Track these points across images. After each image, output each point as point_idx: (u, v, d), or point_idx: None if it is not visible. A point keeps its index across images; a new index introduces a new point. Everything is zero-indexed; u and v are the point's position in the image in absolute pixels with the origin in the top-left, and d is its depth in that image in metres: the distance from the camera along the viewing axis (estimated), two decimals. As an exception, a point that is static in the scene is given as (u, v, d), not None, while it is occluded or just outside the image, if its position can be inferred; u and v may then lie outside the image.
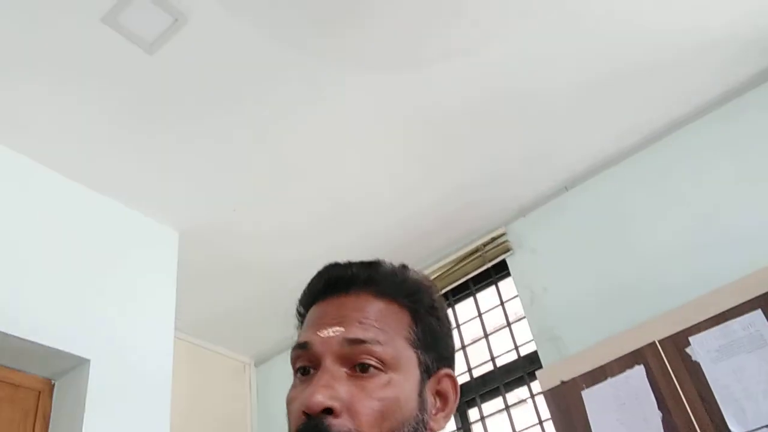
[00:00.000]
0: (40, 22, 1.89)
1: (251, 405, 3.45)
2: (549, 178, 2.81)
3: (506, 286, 2.94)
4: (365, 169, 2.61)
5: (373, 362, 0.66)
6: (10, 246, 2.09)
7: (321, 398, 0.62)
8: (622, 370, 2.19)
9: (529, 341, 2.73)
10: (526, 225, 2.92)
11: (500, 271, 2.95)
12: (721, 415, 1.95)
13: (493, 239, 2.95)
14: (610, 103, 2.49)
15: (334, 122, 2.38)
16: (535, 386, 2.58)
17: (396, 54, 2.17)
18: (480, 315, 2.97)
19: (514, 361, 2.78)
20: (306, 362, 0.68)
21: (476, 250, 2.99)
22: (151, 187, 2.50)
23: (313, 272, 0.76)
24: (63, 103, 2.13)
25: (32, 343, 2.01)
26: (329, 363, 0.66)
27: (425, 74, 2.25)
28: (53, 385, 2.16)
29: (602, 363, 2.24)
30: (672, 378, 2.08)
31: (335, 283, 0.72)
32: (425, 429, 0.68)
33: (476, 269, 2.97)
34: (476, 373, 2.87)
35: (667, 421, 2.04)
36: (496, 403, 2.77)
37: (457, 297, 3.07)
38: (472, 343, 2.97)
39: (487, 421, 2.74)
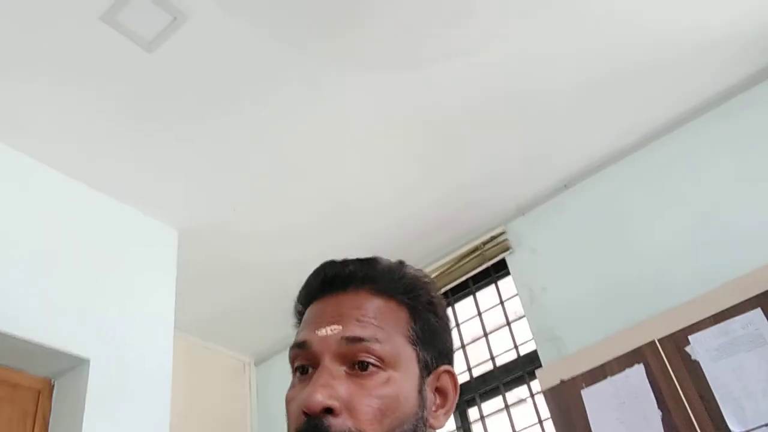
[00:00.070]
0: (39, 21, 1.89)
1: (251, 404, 3.45)
2: (548, 177, 2.81)
3: (506, 285, 2.94)
4: (365, 168, 2.61)
5: (372, 360, 0.65)
6: (9, 244, 2.09)
7: (320, 398, 0.62)
8: (621, 369, 2.19)
9: (529, 340, 2.73)
10: (525, 224, 2.92)
11: (500, 270, 2.95)
12: (721, 413, 1.95)
13: (493, 238, 2.95)
14: (609, 103, 2.49)
15: (334, 122, 2.38)
16: (535, 385, 2.58)
17: (396, 54, 2.17)
18: (479, 314, 2.97)
19: (514, 361, 2.78)
20: (304, 361, 0.68)
21: (476, 249, 2.99)
22: (151, 185, 2.50)
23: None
24: (62, 101, 2.13)
25: (31, 342, 2.00)
26: (328, 362, 0.65)
27: (425, 74, 2.25)
28: (53, 385, 2.16)
29: (602, 362, 2.24)
30: (672, 377, 2.08)
31: (332, 281, 0.72)
32: (425, 426, 0.68)
33: (476, 268, 2.97)
34: (476, 373, 2.87)
35: (666, 420, 2.04)
36: (496, 402, 2.77)
37: (457, 296, 3.07)
38: (471, 343, 2.97)
39: (487, 420, 2.74)
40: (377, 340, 0.66)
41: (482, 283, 3.02)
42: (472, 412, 2.81)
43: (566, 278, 2.68)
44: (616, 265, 2.56)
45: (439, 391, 0.72)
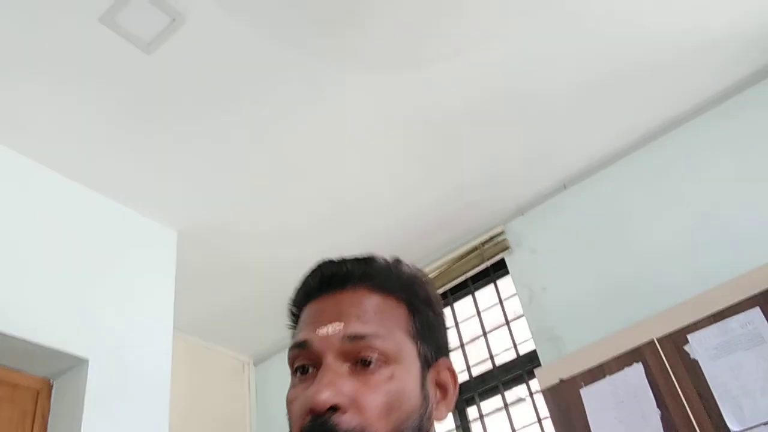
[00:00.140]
0: (37, 23, 1.89)
1: (250, 404, 3.45)
2: (548, 177, 2.82)
3: (505, 284, 2.94)
4: (364, 169, 2.61)
5: (375, 357, 0.65)
6: (8, 245, 2.09)
7: (327, 396, 0.61)
8: (620, 368, 2.20)
9: (528, 340, 2.74)
10: (524, 224, 2.92)
11: (499, 269, 2.96)
12: (719, 412, 1.96)
13: (492, 238, 2.95)
14: (608, 103, 2.50)
15: (333, 122, 2.38)
16: (534, 384, 2.58)
17: (395, 54, 2.17)
18: (479, 313, 2.97)
19: (513, 360, 2.78)
20: (305, 361, 0.67)
21: (475, 249, 2.99)
22: (150, 186, 2.50)
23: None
24: (61, 102, 2.12)
25: (31, 342, 2.00)
26: (331, 360, 0.65)
27: (425, 74, 2.25)
28: (52, 385, 2.16)
29: (601, 361, 2.25)
30: (670, 376, 2.09)
31: (331, 280, 0.71)
32: (429, 420, 0.68)
33: (475, 268, 2.97)
34: (475, 372, 2.87)
35: (665, 419, 2.04)
36: (495, 401, 2.77)
37: (456, 295, 3.07)
38: (470, 342, 2.97)
39: (486, 419, 2.74)
40: (379, 336, 0.67)
41: (481, 282, 3.02)
42: (471, 411, 2.81)
43: (565, 278, 2.69)
44: (615, 265, 2.56)
45: (440, 385, 0.73)
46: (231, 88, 2.19)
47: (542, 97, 2.42)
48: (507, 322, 2.86)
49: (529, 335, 2.72)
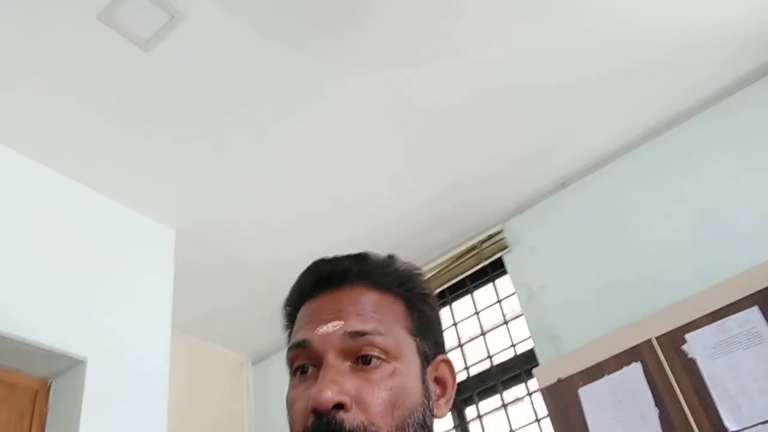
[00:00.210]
0: (35, 21, 1.88)
1: (248, 403, 3.45)
2: (546, 175, 2.82)
3: (503, 283, 2.94)
4: (363, 168, 2.61)
5: (376, 353, 0.66)
6: (6, 245, 2.08)
7: (330, 394, 0.61)
8: (619, 368, 2.20)
9: (526, 339, 2.74)
10: (523, 222, 2.92)
11: (497, 268, 2.96)
12: (717, 411, 1.96)
13: (491, 237, 2.95)
14: (607, 101, 2.50)
15: (333, 122, 2.38)
16: (532, 384, 2.58)
17: (394, 53, 2.16)
18: (477, 313, 2.97)
19: (511, 359, 2.78)
20: (305, 361, 0.67)
21: (473, 248, 2.99)
22: (148, 185, 2.49)
23: (307, 271, 0.76)
24: (59, 101, 2.12)
25: (28, 343, 2.00)
26: (332, 358, 0.65)
27: (424, 73, 2.25)
28: (49, 385, 2.15)
29: (599, 360, 2.25)
30: (668, 375, 2.09)
31: (328, 279, 0.71)
32: (431, 415, 0.68)
33: (473, 267, 2.97)
34: (473, 371, 2.87)
35: (663, 418, 2.04)
36: (494, 401, 2.77)
37: (454, 295, 3.07)
38: (469, 341, 2.97)
39: (485, 419, 2.74)
40: (379, 333, 0.67)
41: (479, 281, 3.02)
42: (470, 411, 2.81)
43: (564, 277, 2.69)
44: (614, 264, 2.57)
45: (439, 380, 0.73)
46: (230, 87, 2.18)
47: (541, 96, 2.42)
48: (505, 322, 2.86)
49: (528, 334, 2.72)
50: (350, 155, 2.53)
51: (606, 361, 2.23)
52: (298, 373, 0.68)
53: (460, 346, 2.95)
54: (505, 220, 2.96)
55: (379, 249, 0.76)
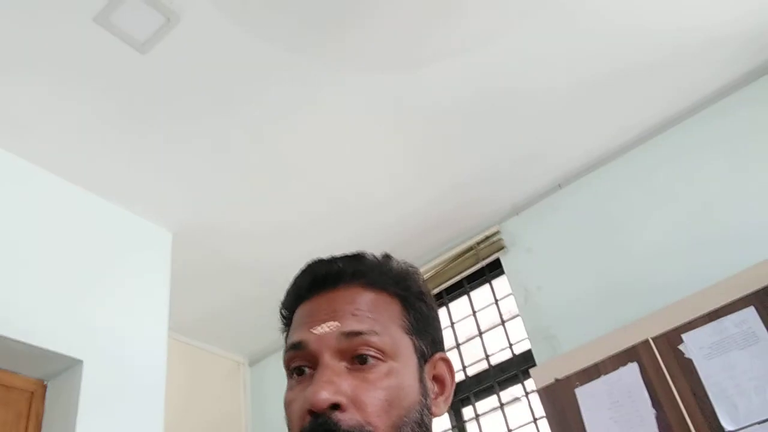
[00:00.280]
0: (31, 24, 1.88)
1: (245, 405, 3.45)
2: (542, 176, 2.82)
3: (500, 284, 2.94)
4: (359, 168, 2.61)
5: (372, 353, 0.65)
6: (2, 247, 2.07)
7: (326, 394, 0.61)
8: (615, 368, 2.20)
9: (523, 339, 2.74)
10: (519, 223, 2.92)
11: (494, 269, 2.96)
12: (714, 411, 1.96)
13: (487, 237, 2.96)
14: (603, 102, 2.50)
15: (330, 122, 2.38)
16: (529, 384, 2.58)
17: (392, 54, 2.16)
18: (474, 313, 2.98)
19: (509, 360, 2.78)
20: (302, 362, 0.67)
21: (470, 249, 2.99)
22: (145, 187, 2.49)
23: (302, 272, 0.75)
24: (55, 103, 2.11)
25: (24, 344, 1.99)
26: (328, 359, 0.65)
27: (421, 74, 2.25)
28: (46, 387, 2.15)
29: (596, 360, 2.25)
30: (665, 375, 2.09)
31: (323, 280, 0.71)
32: (429, 414, 0.68)
33: (470, 268, 2.97)
34: (470, 372, 2.87)
35: (660, 419, 2.05)
36: (491, 401, 2.77)
37: (451, 295, 3.07)
38: (466, 342, 2.98)
39: (482, 419, 2.74)
40: (375, 333, 0.66)
41: (476, 282, 3.02)
42: (467, 411, 2.82)
43: (561, 277, 2.69)
44: (610, 264, 2.57)
45: (437, 378, 0.73)
46: (226, 89, 2.18)
47: (537, 97, 2.42)
48: (502, 322, 2.87)
49: (525, 335, 2.72)
50: (345, 155, 2.53)
51: (603, 361, 2.24)
52: (295, 374, 0.68)
53: (458, 346, 2.96)
54: (501, 221, 2.97)
55: (375, 250, 0.76)
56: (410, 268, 0.76)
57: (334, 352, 0.65)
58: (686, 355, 2.08)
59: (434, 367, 0.72)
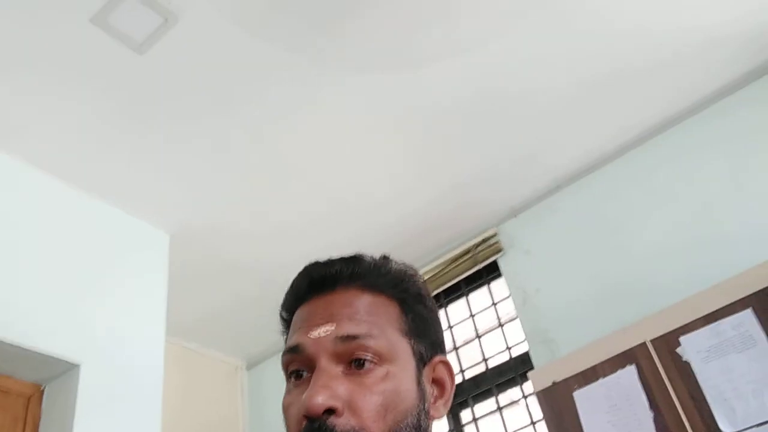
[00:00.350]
0: (29, 24, 1.87)
1: (243, 408, 3.44)
2: (540, 178, 2.82)
3: (498, 287, 2.94)
4: (358, 169, 2.60)
5: (368, 357, 0.65)
6: (-1, 249, 2.07)
7: (321, 399, 0.61)
8: (613, 371, 2.20)
9: (521, 342, 2.74)
10: (517, 225, 2.92)
11: (492, 272, 2.96)
12: (712, 414, 1.96)
13: (485, 240, 2.95)
14: (603, 102, 2.50)
15: (328, 122, 2.38)
16: (528, 387, 2.58)
17: (392, 54, 2.16)
18: (472, 316, 2.97)
19: (506, 362, 2.78)
20: (299, 365, 0.67)
21: (468, 251, 2.99)
22: (142, 189, 2.48)
23: (301, 274, 0.75)
24: (52, 104, 2.11)
25: (21, 347, 1.98)
26: (324, 363, 0.65)
27: (420, 74, 2.25)
28: (43, 390, 2.14)
29: (594, 363, 2.25)
30: (663, 378, 2.09)
31: (321, 282, 0.71)
32: (427, 418, 0.68)
33: (468, 270, 2.97)
34: (468, 375, 2.87)
35: (658, 421, 2.05)
36: (489, 404, 2.77)
37: (449, 298, 3.07)
38: (464, 345, 2.97)
39: (480, 422, 2.74)
40: (371, 336, 0.66)
41: (474, 285, 3.02)
42: (465, 414, 2.81)
43: (559, 280, 2.69)
44: (609, 267, 2.57)
45: (436, 381, 0.72)
46: (225, 89, 2.18)
47: (536, 97, 2.42)
48: (500, 325, 2.86)
49: (523, 337, 2.72)
50: (344, 156, 2.53)
51: (601, 364, 2.23)
52: (293, 377, 0.68)
53: (455, 349, 2.95)
54: (499, 223, 2.97)
55: (373, 252, 0.76)
56: (409, 270, 0.75)
57: (330, 355, 0.65)
58: (684, 358, 2.08)
59: (434, 370, 0.72)
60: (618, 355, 2.21)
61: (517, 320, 2.77)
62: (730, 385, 1.97)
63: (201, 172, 2.46)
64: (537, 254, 2.81)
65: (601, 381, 2.21)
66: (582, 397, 2.22)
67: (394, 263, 0.75)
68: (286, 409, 0.67)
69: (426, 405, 0.68)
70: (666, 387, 2.08)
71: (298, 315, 0.72)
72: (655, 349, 2.14)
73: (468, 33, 2.14)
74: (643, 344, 2.17)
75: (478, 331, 2.93)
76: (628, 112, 2.58)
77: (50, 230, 2.26)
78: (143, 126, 2.24)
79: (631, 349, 2.19)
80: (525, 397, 2.65)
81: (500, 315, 2.88)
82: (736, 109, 2.49)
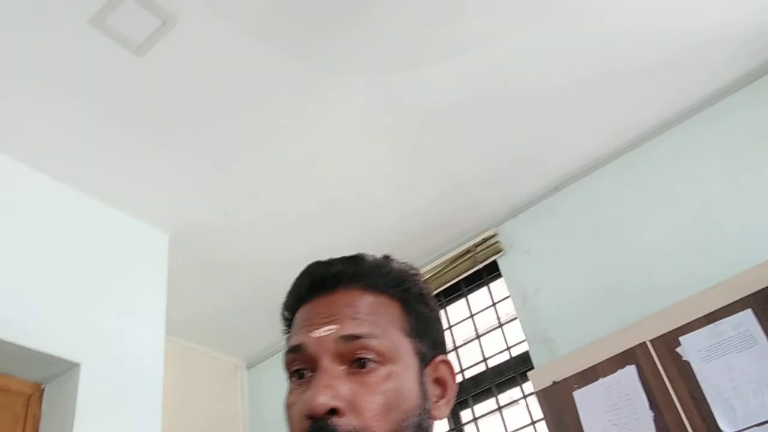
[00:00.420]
0: (27, 26, 1.87)
1: (243, 408, 3.44)
2: (540, 178, 2.82)
3: (498, 287, 2.94)
4: (357, 169, 2.60)
5: (370, 356, 0.65)
6: (-1, 249, 2.07)
7: (324, 399, 0.61)
8: (613, 371, 2.20)
9: (521, 342, 2.74)
10: (517, 226, 2.92)
11: (492, 272, 2.96)
12: (712, 414, 1.97)
13: (485, 240, 2.96)
14: (601, 104, 2.51)
15: (328, 122, 2.38)
16: (528, 387, 2.58)
17: (392, 54, 2.16)
18: (472, 316, 2.97)
19: (506, 362, 2.78)
20: (301, 365, 0.67)
21: (467, 252, 2.99)
22: (141, 189, 2.49)
23: (302, 274, 0.75)
24: (51, 106, 2.11)
25: (21, 346, 1.98)
26: (326, 362, 0.65)
27: (419, 75, 2.25)
28: (43, 390, 2.14)
29: (594, 363, 2.25)
30: (663, 378, 2.09)
31: (322, 282, 0.71)
32: (429, 418, 0.68)
33: (467, 270, 2.97)
34: (468, 374, 2.87)
35: (658, 421, 2.05)
36: (489, 404, 2.77)
37: (449, 298, 3.07)
38: (464, 344, 2.97)
39: (480, 422, 2.74)
40: (374, 336, 0.66)
41: (474, 285, 3.02)
42: (465, 414, 2.81)
43: (558, 280, 2.69)
44: (608, 267, 2.57)
45: (438, 381, 0.72)
46: (223, 91, 2.18)
47: (536, 98, 2.43)
48: (500, 325, 2.87)
49: (522, 337, 2.72)
50: (343, 156, 2.53)
51: (601, 363, 2.24)
52: (295, 377, 0.68)
53: (455, 349, 2.95)
54: (499, 224, 2.97)
55: (372, 252, 0.76)
56: (411, 270, 0.75)
57: (332, 355, 0.65)
58: (684, 358, 2.08)
59: (435, 370, 0.72)
60: (618, 355, 2.21)
61: (517, 320, 2.77)
62: (730, 385, 1.97)
63: (200, 172, 2.46)
64: (537, 254, 2.81)
65: (601, 381, 2.21)
66: (582, 396, 2.23)
67: (395, 263, 0.74)
68: (288, 408, 0.67)
69: (428, 405, 0.68)
70: (666, 387, 2.08)
71: (300, 315, 0.72)
72: (655, 349, 2.15)
73: (468, 33, 2.14)
74: (643, 344, 2.17)
75: (478, 330, 2.93)
76: (628, 112, 2.58)
77: (51, 231, 2.26)
78: (142, 127, 2.25)
79: (631, 349, 2.19)
80: (525, 396, 2.65)
81: (500, 315, 2.89)
82: (736, 109, 2.49)
